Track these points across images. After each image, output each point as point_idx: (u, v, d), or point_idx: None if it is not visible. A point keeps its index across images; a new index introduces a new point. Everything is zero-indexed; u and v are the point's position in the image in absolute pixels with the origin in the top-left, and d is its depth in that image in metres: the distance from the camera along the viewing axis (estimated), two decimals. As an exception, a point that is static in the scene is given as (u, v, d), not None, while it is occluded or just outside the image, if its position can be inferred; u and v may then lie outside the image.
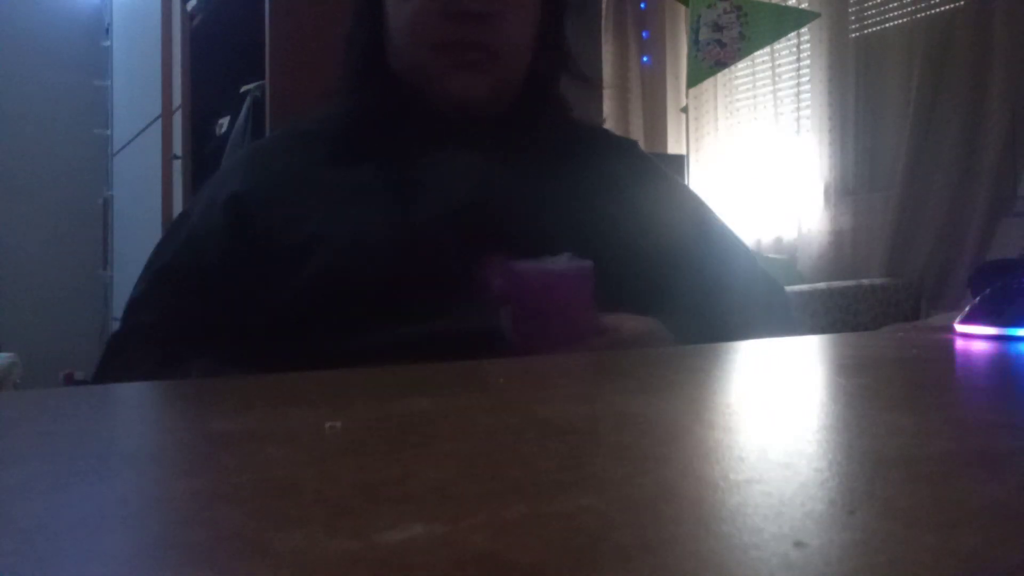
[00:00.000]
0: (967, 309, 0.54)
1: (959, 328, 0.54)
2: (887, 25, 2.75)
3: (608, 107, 3.45)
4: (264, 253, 0.69)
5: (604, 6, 3.61)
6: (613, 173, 0.80)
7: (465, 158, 0.73)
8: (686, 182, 2.43)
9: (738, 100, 3.29)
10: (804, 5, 2.96)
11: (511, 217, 0.69)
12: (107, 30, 3.99)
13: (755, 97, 3.22)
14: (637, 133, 3.55)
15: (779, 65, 3.15)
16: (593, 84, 0.88)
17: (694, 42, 2.70)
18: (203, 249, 0.72)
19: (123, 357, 0.71)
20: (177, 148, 2.57)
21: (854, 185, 2.86)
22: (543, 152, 0.76)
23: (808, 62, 3.00)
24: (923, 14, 2.59)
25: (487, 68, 0.74)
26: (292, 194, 0.72)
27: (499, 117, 0.77)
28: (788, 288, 2.24)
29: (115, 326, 0.77)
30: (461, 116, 0.75)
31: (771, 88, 3.15)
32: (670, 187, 0.87)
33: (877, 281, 2.55)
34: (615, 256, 0.68)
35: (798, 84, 3.05)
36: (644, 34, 3.66)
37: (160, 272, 0.75)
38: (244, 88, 2.05)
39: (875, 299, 2.48)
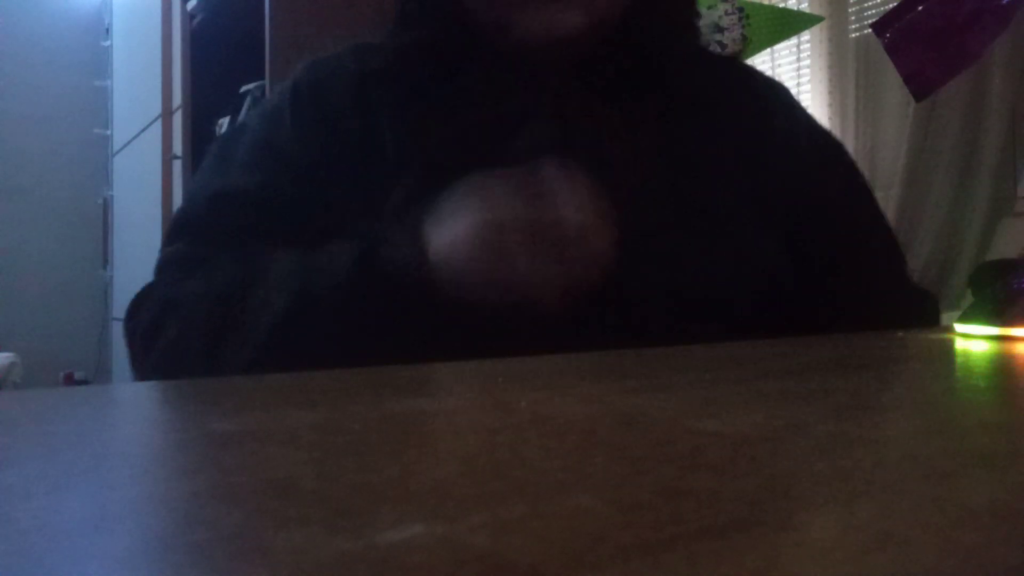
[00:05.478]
0: (967, 309, 0.54)
1: (959, 328, 0.54)
2: (887, 25, 2.75)
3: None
4: (325, 184, 0.59)
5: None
6: (750, 142, 0.65)
7: (547, 126, 0.60)
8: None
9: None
10: (804, 6, 2.96)
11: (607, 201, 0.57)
12: (107, 30, 3.99)
13: (755, 97, 3.21)
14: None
15: (779, 65, 3.15)
16: (695, 36, 0.69)
17: (694, 43, 2.70)
18: (268, 164, 0.61)
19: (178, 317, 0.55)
20: (177, 148, 2.57)
21: (854, 185, 2.86)
22: (644, 110, 0.63)
23: (808, 62, 3.00)
24: (923, 14, 2.59)
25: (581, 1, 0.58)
26: (355, 143, 0.61)
27: (593, 63, 0.62)
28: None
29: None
30: (539, 59, 0.61)
31: (771, 88, 3.15)
32: (824, 157, 0.70)
33: (877, 281, 2.54)
34: (750, 254, 0.60)
35: (798, 84, 3.05)
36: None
37: (219, 193, 0.61)
38: (244, 88, 2.05)
39: (875, 299, 2.49)
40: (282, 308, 0.50)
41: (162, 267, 0.62)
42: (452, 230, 0.49)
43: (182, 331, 0.54)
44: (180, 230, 0.63)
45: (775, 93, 0.73)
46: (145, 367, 0.58)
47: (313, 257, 0.53)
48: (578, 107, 0.63)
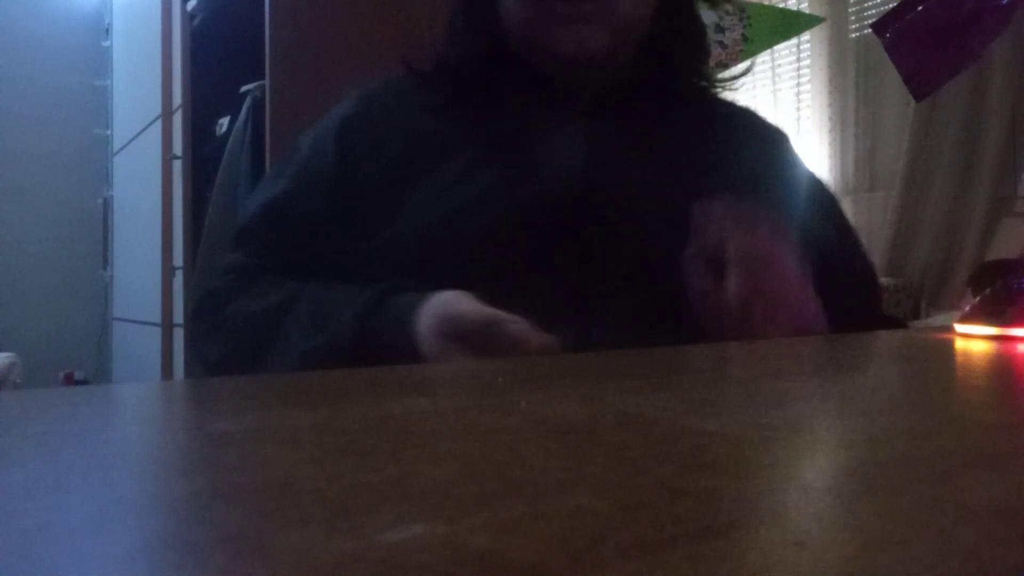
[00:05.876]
0: (967, 309, 0.54)
1: (959, 328, 0.54)
2: (887, 25, 2.75)
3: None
4: (364, 194, 0.68)
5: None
6: (745, 163, 0.73)
7: (574, 131, 0.69)
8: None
9: (738, 100, 3.29)
10: (804, 6, 2.96)
11: (616, 205, 0.66)
12: (107, 30, 3.99)
13: (755, 97, 3.21)
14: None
15: (779, 65, 3.15)
16: (706, 54, 0.80)
17: (695, 43, 2.70)
18: (312, 182, 0.71)
19: (219, 310, 0.69)
20: (177, 148, 2.57)
21: (854, 185, 2.86)
22: (662, 127, 0.71)
23: (808, 62, 3.01)
24: (923, 14, 2.59)
25: (603, 21, 0.68)
26: (395, 141, 0.69)
27: (613, 82, 0.72)
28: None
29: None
30: (571, 75, 0.71)
31: (771, 88, 3.15)
32: (814, 197, 0.78)
33: (877, 281, 2.54)
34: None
35: (798, 84, 3.05)
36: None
37: (267, 207, 0.73)
38: (244, 88, 2.05)
39: (875, 299, 2.48)
40: (299, 353, 0.62)
41: (224, 272, 0.74)
42: (423, 325, 0.58)
43: (227, 352, 0.68)
44: (241, 238, 0.75)
45: (774, 133, 0.83)
46: (204, 365, 0.72)
47: (327, 312, 0.63)
48: (598, 117, 0.71)
